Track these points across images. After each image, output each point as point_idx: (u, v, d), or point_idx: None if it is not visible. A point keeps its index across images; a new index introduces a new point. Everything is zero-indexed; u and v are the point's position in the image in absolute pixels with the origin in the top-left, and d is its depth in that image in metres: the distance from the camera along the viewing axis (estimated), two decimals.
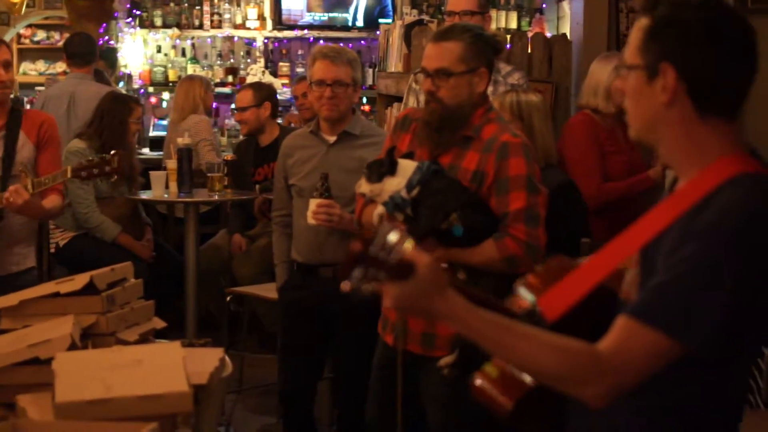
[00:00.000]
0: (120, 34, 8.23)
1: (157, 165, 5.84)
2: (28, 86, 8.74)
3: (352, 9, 8.28)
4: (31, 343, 2.18)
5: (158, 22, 8.29)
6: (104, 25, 7.97)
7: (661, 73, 1.66)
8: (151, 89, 8.26)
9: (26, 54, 9.40)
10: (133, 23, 8.28)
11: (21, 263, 3.82)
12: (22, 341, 2.21)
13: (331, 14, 8.30)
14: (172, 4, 8.28)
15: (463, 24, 3.33)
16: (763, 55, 1.68)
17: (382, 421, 3.12)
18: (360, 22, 8.28)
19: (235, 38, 8.39)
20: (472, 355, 1.82)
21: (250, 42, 8.40)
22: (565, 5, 7.78)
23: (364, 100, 7.77)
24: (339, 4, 8.30)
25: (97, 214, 5.17)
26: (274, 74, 8.15)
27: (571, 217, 3.58)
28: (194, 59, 8.30)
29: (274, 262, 4.00)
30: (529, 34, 5.35)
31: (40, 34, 9.41)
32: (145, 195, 5.22)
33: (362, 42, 8.32)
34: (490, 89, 3.25)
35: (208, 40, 8.41)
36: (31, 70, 9.28)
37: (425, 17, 5.90)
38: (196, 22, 8.28)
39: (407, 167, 2.87)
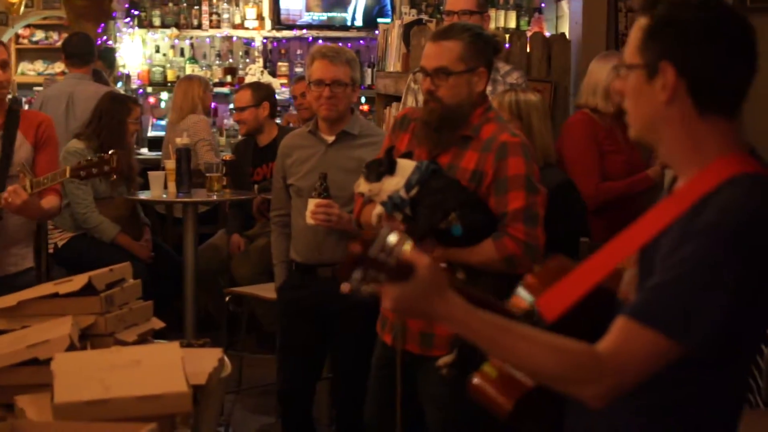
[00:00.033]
0: (118, 34, 8.23)
1: (156, 165, 5.84)
2: (26, 86, 8.72)
3: (350, 9, 8.28)
4: (30, 343, 2.18)
5: (157, 22, 8.30)
6: (102, 25, 7.96)
7: (660, 71, 1.66)
8: (149, 89, 8.27)
9: (25, 54, 9.38)
10: (131, 23, 8.28)
11: (19, 264, 3.81)
12: (20, 342, 2.21)
13: (329, 14, 8.30)
14: (170, 4, 8.28)
15: (462, 23, 3.33)
16: (762, 54, 1.68)
17: (380, 420, 3.11)
18: (359, 22, 8.28)
19: (234, 38, 8.39)
20: (470, 355, 1.82)
21: (248, 42, 8.40)
22: (564, 5, 7.79)
23: (363, 99, 7.76)
24: (338, 4, 8.30)
25: (96, 214, 5.16)
26: (273, 74, 8.15)
27: (570, 217, 3.58)
28: (193, 59, 8.30)
29: (273, 262, 3.99)
30: (528, 34, 5.35)
31: (39, 34, 9.40)
32: (143, 195, 5.21)
33: (361, 42, 8.32)
34: (489, 89, 3.25)
35: (207, 40, 8.41)
36: (29, 70, 9.27)
37: (424, 17, 5.90)
38: (195, 22, 8.28)
39: (406, 167, 2.86)
